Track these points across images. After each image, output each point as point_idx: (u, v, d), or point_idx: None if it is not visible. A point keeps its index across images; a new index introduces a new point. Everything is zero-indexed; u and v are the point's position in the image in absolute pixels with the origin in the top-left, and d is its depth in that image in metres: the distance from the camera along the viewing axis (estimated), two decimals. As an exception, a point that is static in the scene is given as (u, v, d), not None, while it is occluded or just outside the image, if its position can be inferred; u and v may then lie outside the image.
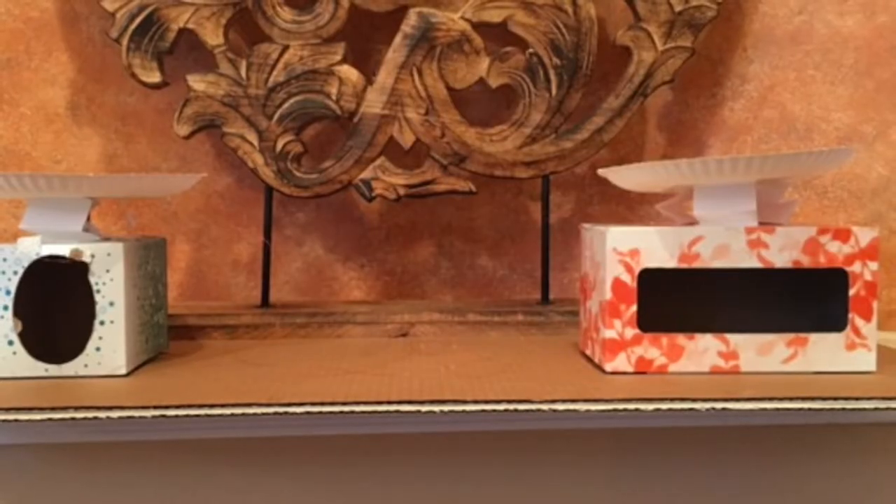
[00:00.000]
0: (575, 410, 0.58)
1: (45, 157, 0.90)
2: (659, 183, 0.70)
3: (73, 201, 0.68)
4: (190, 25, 0.82)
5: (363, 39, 0.88)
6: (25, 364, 0.66)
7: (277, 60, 0.83)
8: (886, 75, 0.87)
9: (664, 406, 0.58)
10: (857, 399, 0.59)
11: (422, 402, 0.58)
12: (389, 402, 0.58)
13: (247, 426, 0.70)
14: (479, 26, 0.84)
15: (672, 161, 0.65)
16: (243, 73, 0.83)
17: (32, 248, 0.65)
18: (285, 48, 0.83)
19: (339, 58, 0.84)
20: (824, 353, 0.66)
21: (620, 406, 0.58)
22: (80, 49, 0.90)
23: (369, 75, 0.84)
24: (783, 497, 0.73)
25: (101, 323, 0.66)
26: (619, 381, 0.64)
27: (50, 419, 0.56)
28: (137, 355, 0.69)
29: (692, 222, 0.68)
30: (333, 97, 0.84)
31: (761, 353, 0.66)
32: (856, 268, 0.66)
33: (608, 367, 0.66)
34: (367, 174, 0.85)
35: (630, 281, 0.66)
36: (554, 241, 0.92)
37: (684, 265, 0.66)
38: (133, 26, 0.82)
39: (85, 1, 0.88)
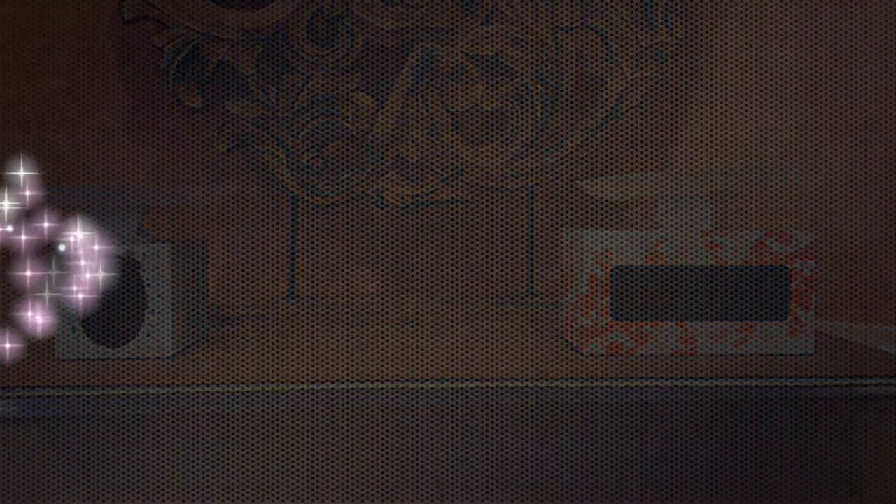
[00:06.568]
0: (556, 386, 0.58)
1: (103, 170, 0.89)
2: (629, 193, 0.69)
3: (128, 208, 0.68)
4: (227, 58, 0.82)
5: (376, 70, 0.87)
6: (87, 347, 0.65)
7: (302, 88, 0.83)
8: (822, 102, 0.87)
9: (633, 383, 0.58)
10: (797, 377, 0.59)
11: (427, 380, 0.58)
12: (398, 380, 0.58)
13: (275, 400, 0.70)
14: (475, 58, 0.83)
15: (640, 174, 0.65)
16: (273, 98, 0.83)
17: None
18: (309, 77, 0.83)
19: (354, 86, 0.83)
20: (770, 337, 0.66)
21: (595, 383, 0.58)
22: (133, 78, 0.89)
23: (381, 100, 0.84)
24: (733, 459, 0.73)
25: (151, 312, 0.66)
26: (594, 362, 0.64)
27: (108, 394, 0.56)
28: (182, 340, 0.69)
29: (657, 227, 0.68)
30: (350, 119, 0.83)
31: (716, 338, 0.66)
32: (797, 265, 0.66)
33: (585, 349, 0.66)
34: (378, 185, 0.85)
35: (604, 276, 0.66)
36: (538, 243, 0.91)
37: (651, 263, 0.66)
38: (179, 59, 0.81)
39: (137, 37, 0.88)
